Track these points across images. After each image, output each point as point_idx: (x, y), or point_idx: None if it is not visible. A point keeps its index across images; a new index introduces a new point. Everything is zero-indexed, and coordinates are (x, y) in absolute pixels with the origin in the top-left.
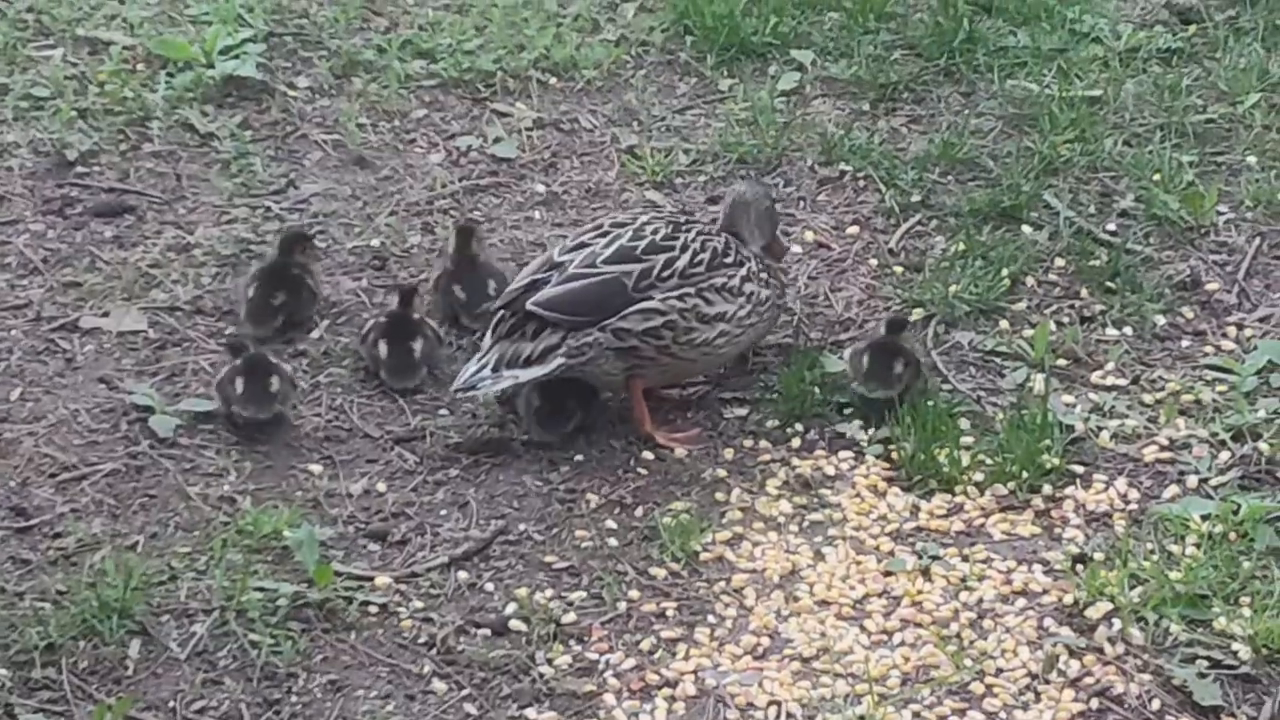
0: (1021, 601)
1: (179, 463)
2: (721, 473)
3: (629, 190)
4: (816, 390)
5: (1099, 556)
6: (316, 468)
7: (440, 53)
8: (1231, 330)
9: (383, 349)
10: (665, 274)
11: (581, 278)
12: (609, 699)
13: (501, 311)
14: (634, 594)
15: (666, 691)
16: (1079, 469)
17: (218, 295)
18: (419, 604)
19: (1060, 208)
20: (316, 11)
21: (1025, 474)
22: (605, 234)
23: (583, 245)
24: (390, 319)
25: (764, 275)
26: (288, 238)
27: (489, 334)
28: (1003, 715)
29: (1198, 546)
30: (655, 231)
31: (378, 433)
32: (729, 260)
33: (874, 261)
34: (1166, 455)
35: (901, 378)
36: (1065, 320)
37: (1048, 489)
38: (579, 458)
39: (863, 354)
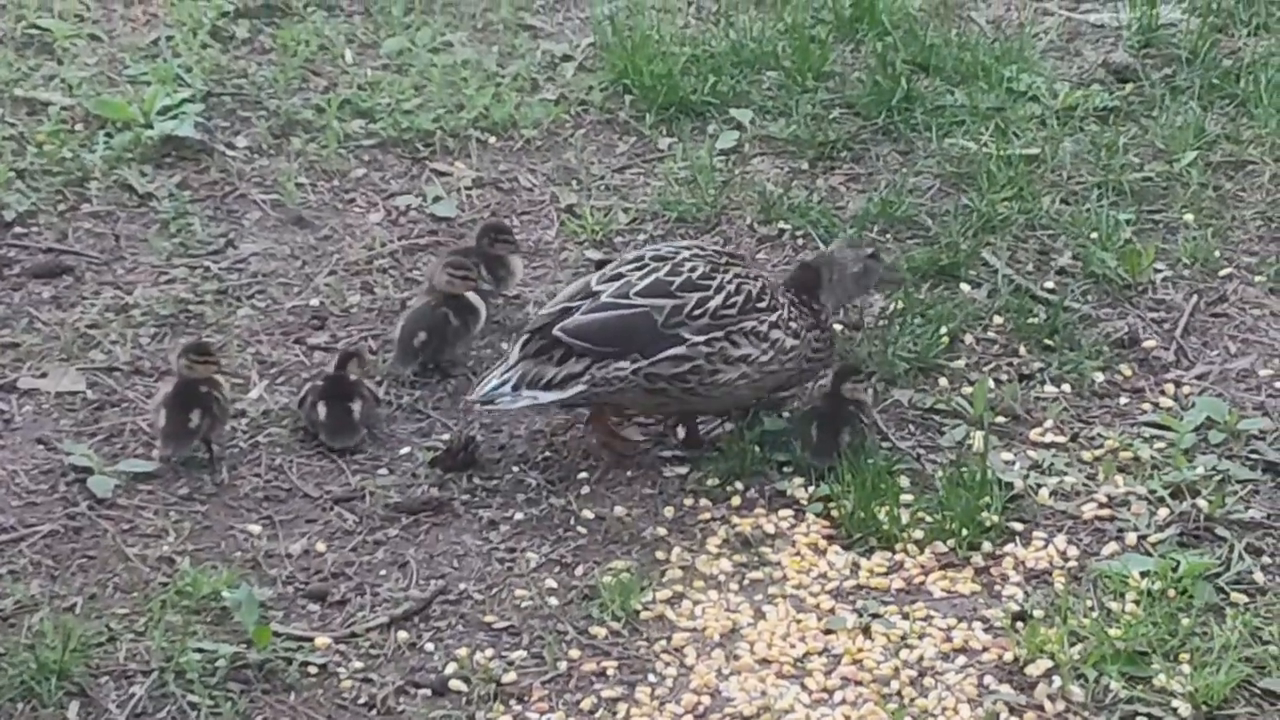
0: (962, 659)
1: (117, 523)
2: (662, 531)
3: (568, 249)
4: (756, 448)
5: (1039, 614)
6: (256, 528)
7: (379, 112)
8: (1169, 387)
9: (321, 410)
10: (697, 313)
11: (612, 308)
12: None
13: (530, 334)
14: (574, 653)
15: None
16: (1018, 526)
17: (156, 356)
18: (359, 664)
19: (999, 265)
20: (255, 71)
21: (965, 531)
22: (643, 266)
23: (620, 276)
24: (328, 381)
25: (793, 325)
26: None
27: (517, 349)
28: None
29: (1137, 603)
30: (693, 270)
31: (317, 492)
32: (761, 305)
33: (837, 327)
34: (1105, 512)
35: (849, 445)
36: (1004, 378)
37: (987, 546)
38: (518, 516)
39: (810, 421)
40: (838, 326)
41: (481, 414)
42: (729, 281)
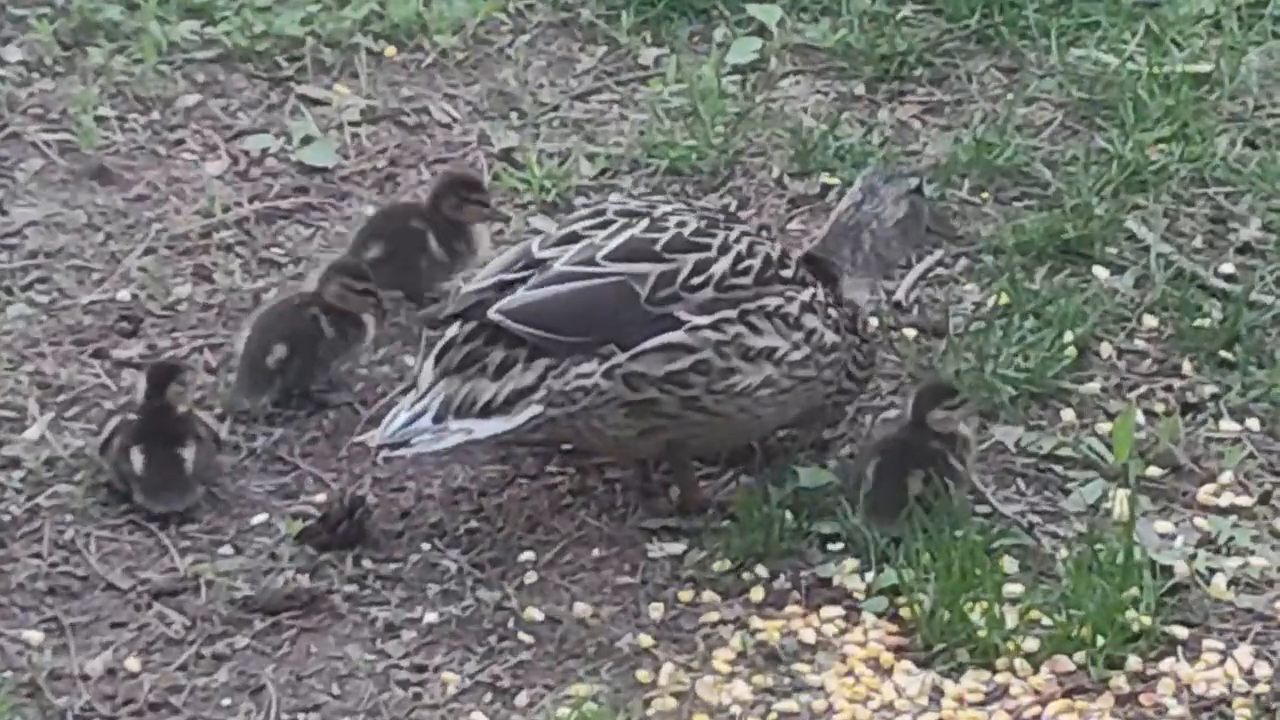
0: None
1: None
2: (646, 639)
3: (505, 213)
4: (788, 515)
5: None
6: (35, 634)
7: (220, 9)
8: None
9: (136, 459)
10: (696, 281)
11: (574, 279)
12: None
13: (451, 326)
14: None
15: None
16: (1182, 632)
17: None
18: None
19: (1151, 240)
20: None
21: (1101, 640)
22: (608, 223)
23: (575, 237)
24: (144, 415)
25: (832, 315)
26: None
27: (429, 361)
28: None
29: None
30: (682, 224)
31: (127, 582)
32: (786, 275)
33: (873, 321)
34: None
35: (923, 500)
36: (1160, 409)
37: (1135, 662)
38: (430, 618)
39: (867, 462)
40: (909, 330)
41: (385, 464)
42: (735, 240)
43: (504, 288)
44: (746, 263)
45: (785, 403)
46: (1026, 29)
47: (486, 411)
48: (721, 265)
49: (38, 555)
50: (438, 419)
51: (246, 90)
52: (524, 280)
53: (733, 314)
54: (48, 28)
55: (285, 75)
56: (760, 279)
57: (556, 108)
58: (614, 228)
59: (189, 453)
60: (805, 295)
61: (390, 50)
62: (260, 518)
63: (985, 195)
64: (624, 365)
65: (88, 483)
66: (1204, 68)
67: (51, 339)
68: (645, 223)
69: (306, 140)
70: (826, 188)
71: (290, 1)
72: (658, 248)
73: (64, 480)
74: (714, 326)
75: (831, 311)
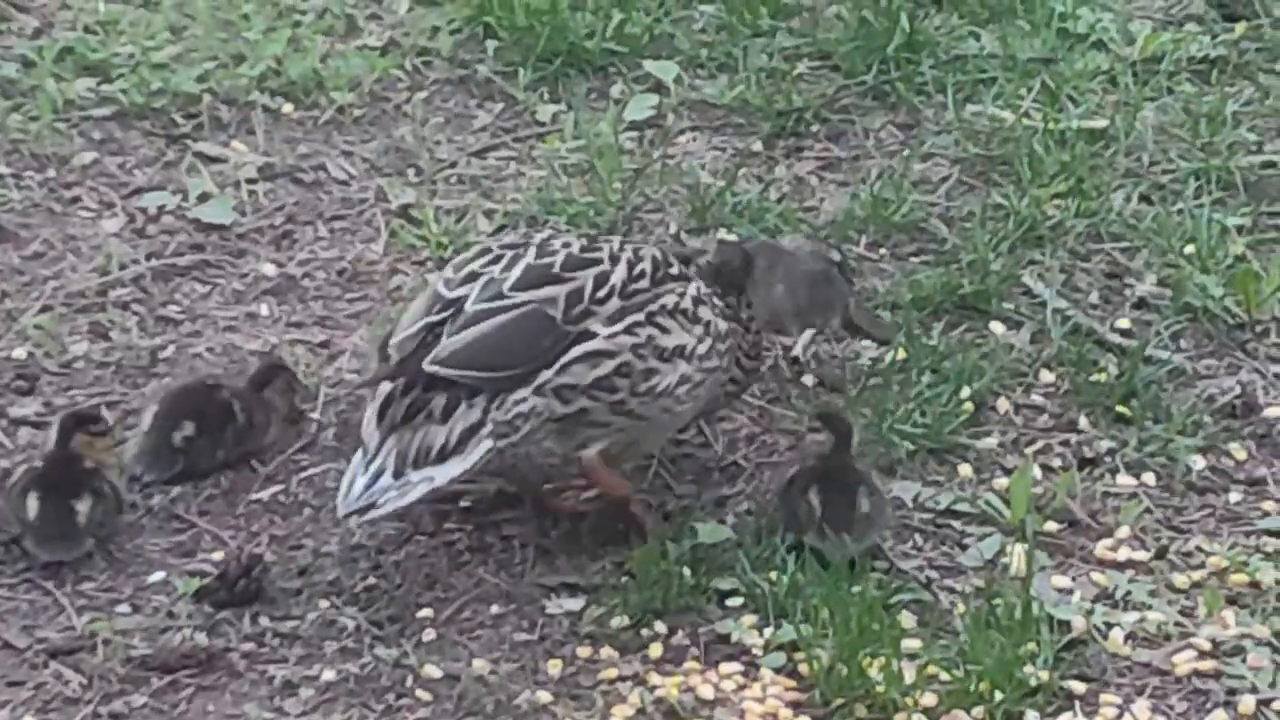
0: None
1: None
2: (544, 696)
3: (402, 271)
4: (686, 571)
5: None
6: None
7: (117, 66)
8: None
9: (31, 506)
10: (601, 294)
11: (489, 315)
12: None
13: (387, 385)
14: None
15: None
16: (1079, 687)
17: None
18: None
19: (1047, 296)
20: None
21: (999, 696)
22: (499, 257)
23: (475, 276)
24: (48, 463)
25: (717, 304)
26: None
27: (374, 422)
28: None
29: None
30: (567, 245)
31: (23, 641)
32: (674, 273)
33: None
34: (1209, 665)
35: (872, 520)
36: (1057, 464)
37: (1033, 717)
38: (328, 675)
39: (807, 486)
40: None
41: (284, 523)
42: (620, 249)
43: (430, 331)
44: (639, 267)
45: (698, 396)
46: (923, 85)
47: (442, 455)
48: (619, 274)
49: None
50: (397, 474)
51: (143, 148)
52: (444, 323)
53: (640, 317)
54: None
55: (182, 133)
56: (654, 280)
57: (454, 164)
58: (506, 260)
59: (83, 505)
60: (692, 289)
61: (287, 107)
62: (157, 576)
63: (882, 251)
64: (552, 380)
65: None
66: (1100, 124)
67: None
68: (533, 250)
69: (203, 197)
70: (722, 244)
71: (187, 59)
72: (556, 269)
73: None
74: (627, 331)
75: (717, 301)
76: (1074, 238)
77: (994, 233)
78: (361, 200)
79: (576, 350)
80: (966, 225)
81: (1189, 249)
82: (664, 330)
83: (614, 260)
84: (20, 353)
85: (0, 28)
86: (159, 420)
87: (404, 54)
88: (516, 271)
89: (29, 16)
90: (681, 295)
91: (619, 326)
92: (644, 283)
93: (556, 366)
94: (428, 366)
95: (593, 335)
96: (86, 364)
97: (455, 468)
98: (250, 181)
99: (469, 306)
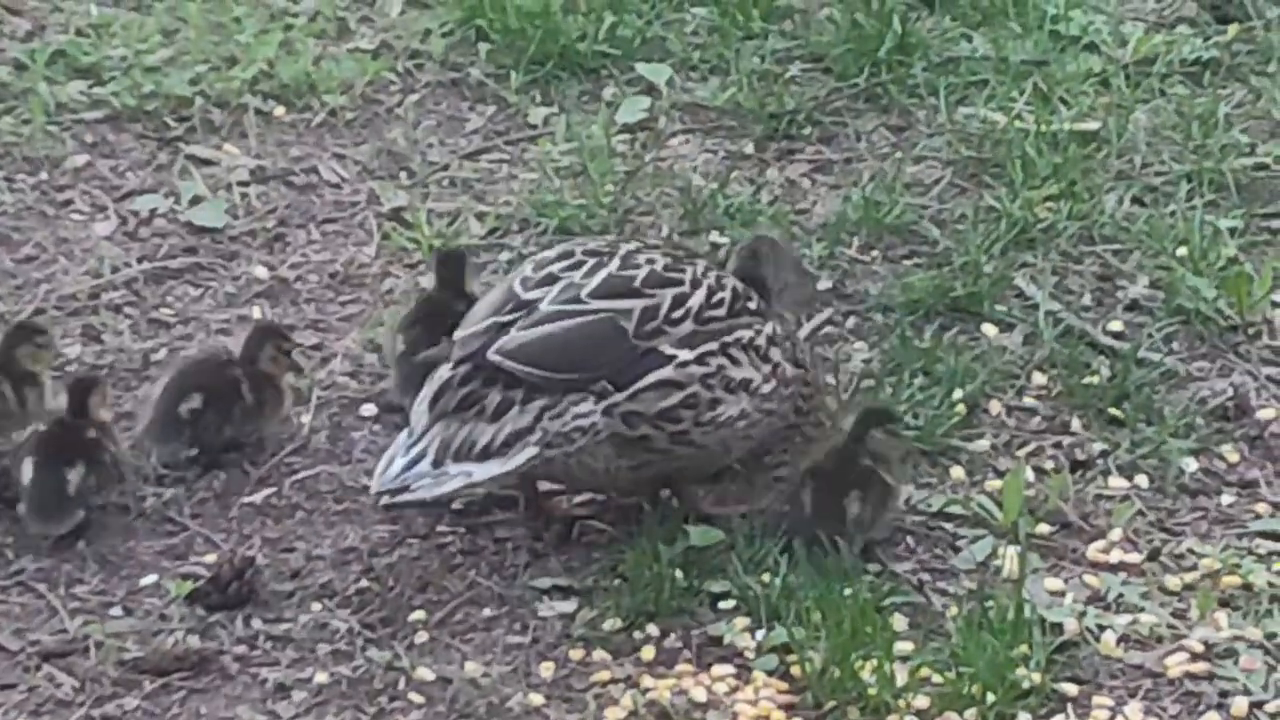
0: None
1: None
2: (537, 699)
3: (394, 274)
4: (679, 574)
5: None
6: None
7: (109, 69)
8: None
9: (27, 470)
10: (676, 315)
11: (563, 317)
12: None
13: (447, 369)
14: None
15: None
16: (1072, 689)
17: None
18: None
19: (1040, 298)
20: None
21: (991, 698)
22: (580, 263)
23: (553, 279)
24: (50, 429)
25: (788, 346)
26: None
27: (426, 405)
28: None
29: None
30: (651, 261)
31: (16, 644)
32: (751, 307)
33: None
34: (1201, 667)
35: (861, 522)
36: (1049, 466)
37: (1026, 719)
38: (320, 678)
39: (802, 485)
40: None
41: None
42: (703, 274)
43: (499, 330)
44: (718, 295)
45: (751, 435)
46: (915, 87)
47: (485, 454)
48: (697, 298)
49: None
50: (436, 463)
51: (135, 150)
52: (514, 322)
53: (714, 346)
54: None
55: (174, 135)
56: (732, 311)
57: (446, 167)
58: (588, 267)
59: (74, 474)
60: (768, 328)
61: (279, 110)
62: (150, 579)
63: (874, 253)
64: (622, 404)
65: None
66: (1092, 126)
67: None
68: (617, 261)
69: (195, 200)
70: (716, 246)
71: (179, 62)
72: (636, 284)
73: None
74: (699, 360)
75: (788, 344)
76: (1066, 240)
77: (986, 235)
78: (354, 203)
79: (649, 378)
80: (959, 227)
81: (1181, 251)
82: (734, 362)
83: (695, 284)
84: None
85: None
86: (167, 391)
87: (396, 57)
88: (597, 279)
89: (21, 20)
90: (757, 332)
91: (690, 354)
92: (720, 311)
93: (629, 392)
94: (492, 355)
95: (663, 357)
96: (79, 366)
97: (495, 468)
98: (242, 184)
99: (544, 306)
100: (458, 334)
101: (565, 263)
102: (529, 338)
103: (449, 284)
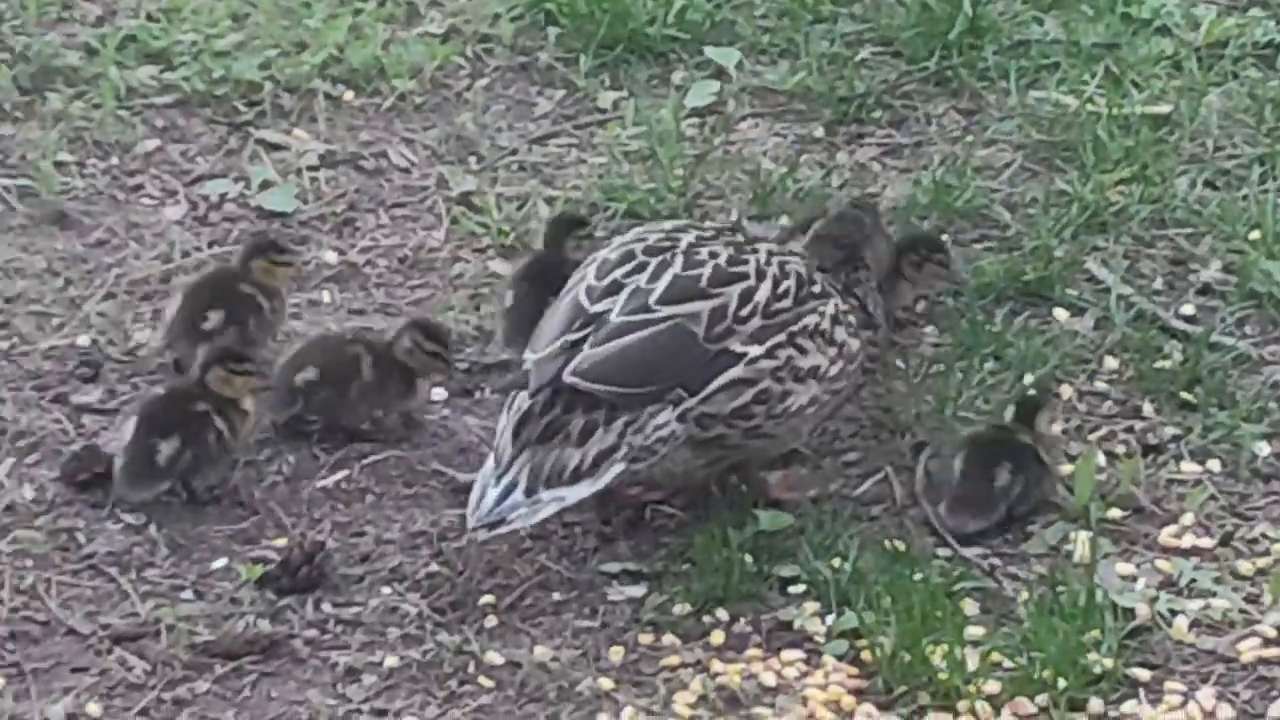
0: None
1: None
2: (607, 683)
3: (464, 259)
4: (748, 558)
5: None
6: None
7: (179, 54)
8: None
9: (127, 432)
10: (745, 312)
11: (633, 329)
12: None
13: (524, 397)
14: None
15: None
16: (1143, 675)
17: None
18: None
19: (1111, 282)
20: None
21: (1063, 683)
22: (643, 264)
23: (618, 287)
24: (164, 395)
25: (851, 320)
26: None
27: (509, 435)
28: None
29: None
30: (714, 255)
31: (88, 627)
32: (815, 290)
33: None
34: (1274, 653)
35: (1009, 495)
36: (1121, 450)
37: (1097, 705)
38: (390, 661)
39: (952, 457)
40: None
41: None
42: (767, 262)
43: (571, 348)
44: (784, 285)
45: (819, 416)
46: (986, 71)
47: (575, 477)
48: (763, 291)
49: None
50: (529, 491)
51: (205, 135)
52: (585, 339)
53: (782, 338)
54: (7, 73)
55: (244, 120)
56: (797, 299)
57: (515, 151)
58: (652, 269)
59: (168, 446)
60: (830, 308)
61: (349, 95)
62: (220, 562)
63: (945, 237)
64: (696, 408)
65: (48, 528)
66: (1164, 109)
67: (11, 384)
68: (680, 259)
69: (265, 185)
70: (785, 230)
71: (249, 46)
72: (703, 284)
73: (24, 526)
74: (768, 354)
75: (851, 318)
76: (1138, 224)
77: (1057, 219)
78: (422, 187)
79: (721, 379)
80: (1030, 211)
81: (1254, 235)
82: (802, 351)
83: (760, 275)
84: (84, 340)
85: (63, 15)
86: (286, 364)
87: (465, 41)
88: (663, 283)
89: (92, 4)
90: (822, 315)
91: (760, 349)
92: (787, 301)
93: (701, 396)
94: (568, 378)
95: (734, 357)
96: (149, 351)
97: (586, 489)
98: (312, 169)
99: (614, 318)
100: (531, 356)
101: (628, 266)
102: (601, 355)
103: (557, 244)
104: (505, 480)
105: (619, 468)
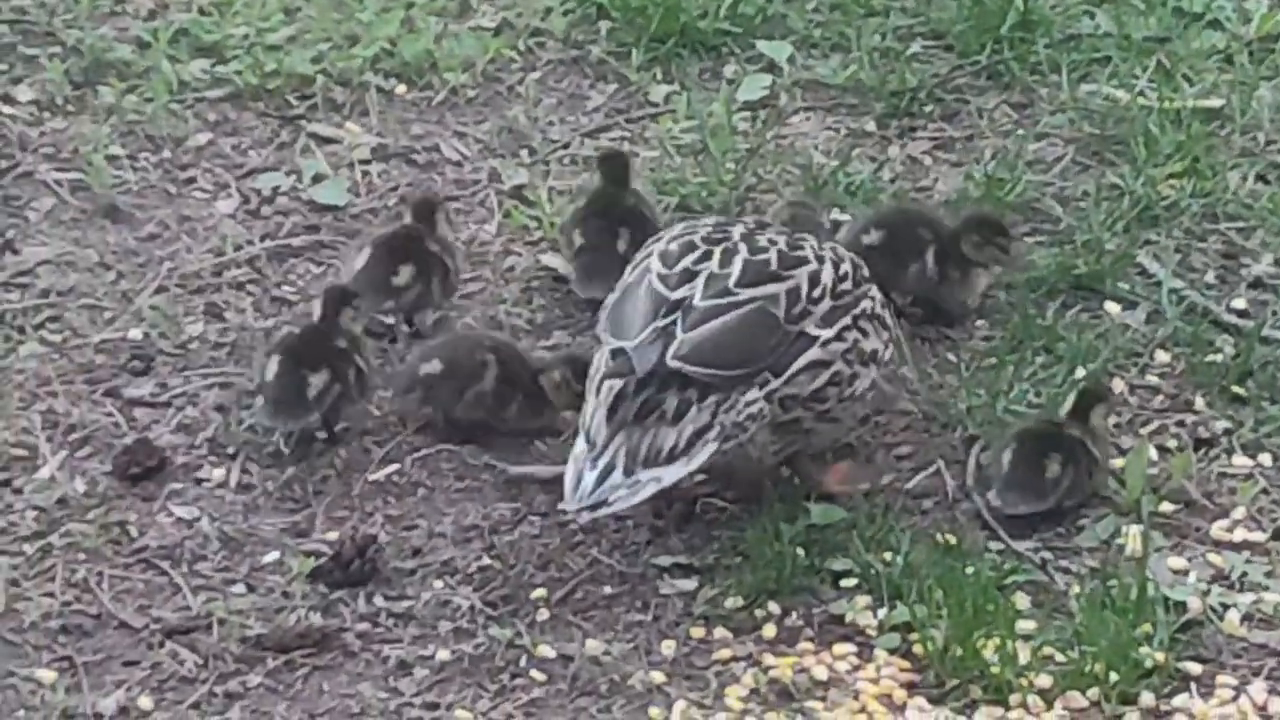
0: None
1: None
2: (658, 676)
3: (516, 252)
4: (800, 552)
5: None
6: (48, 674)
7: (232, 48)
8: None
9: (270, 369)
10: (815, 294)
11: (721, 311)
12: None
13: (618, 383)
14: None
15: None
16: (1195, 668)
17: None
18: None
19: (1163, 276)
20: None
21: (1114, 677)
22: (708, 254)
23: (691, 274)
24: (303, 333)
25: (888, 311)
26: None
27: (601, 416)
28: None
29: None
30: (774, 241)
31: (140, 620)
32: (865, 274)
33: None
34: None
35: (1059, 486)
36: (1172, 444)
37: (1149, 699)
38: (442, 655)
39: (1002, 450)
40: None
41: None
42: (821, 250)
43: (663, 334)
44: (842, 268)
45: (871, 400)
46: (1037, 65)
47: (671, 457)
48: (828, 274)
49: (50, 594)
50: (628, 472)
51: (257, 129)
52: (674, 324)
53: (848, 321)
54: (59, 67)
55: (296, 114)
56: (855, 281)
57: (567, 145)
58: (719, 255)
59: (318, 379)
60: (876, 293)
61: (401, 88)
62: (272, 556)
63: (1008, 220)
64: (779, 390)
65: (100, 521)
66: (1215, 103)
67: (63, 378)
68: (744, 245)
69: (317, 178)
70: (836, 224)
71: (301, 40)
72: (774, 267)
73: (76, 519)
74: (838, 336)
75: (888, 308)
76: (1189, 217)
77: (1109, 212)
78: (475, 181)
79: (802, 360)
80: (1081, 205)
81: None
82: (864, 334)
83: (820, 260)
84: (136, 333)
85: (115, 9)
86: (417, 351)
87: (517, 34)
88: (737, 268)
89: None
90: (873, 300)
91: (831, 331)
92: (848, 284)
93: (785, 376)
94: (672, 362)
95: (808, 336)
96: (201, 344)
97: (680, 469)
98: (364, 162)
99: (698, 302)
100: (625, 345)
101: (695, 254)
102: (698, 338)
103: (613, 180)
104: (602, 462)
105: (712, 447)
